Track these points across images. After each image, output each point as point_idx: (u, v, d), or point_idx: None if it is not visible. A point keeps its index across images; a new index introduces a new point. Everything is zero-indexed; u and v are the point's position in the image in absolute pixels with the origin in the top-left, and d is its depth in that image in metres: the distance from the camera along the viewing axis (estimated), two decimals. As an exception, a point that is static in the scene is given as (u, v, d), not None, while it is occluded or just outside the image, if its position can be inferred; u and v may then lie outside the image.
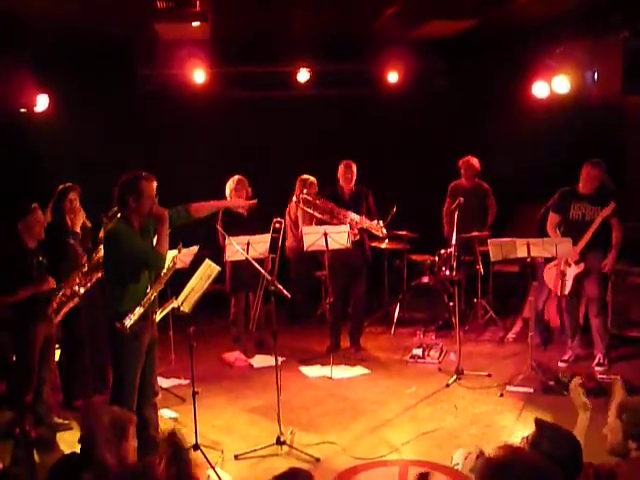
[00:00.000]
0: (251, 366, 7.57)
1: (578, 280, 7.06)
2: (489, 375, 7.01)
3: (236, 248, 6.44)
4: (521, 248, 6.70)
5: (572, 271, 7.02)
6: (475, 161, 8.83)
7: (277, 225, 7.97)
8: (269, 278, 5.77)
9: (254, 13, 7.69)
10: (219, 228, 6.93)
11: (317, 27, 8.37)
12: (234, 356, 7.69)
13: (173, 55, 8.74)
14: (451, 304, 8.02)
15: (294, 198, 7.96)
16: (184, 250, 6.20)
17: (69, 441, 5.48)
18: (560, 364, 7.25)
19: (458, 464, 4.12)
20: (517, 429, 5.73)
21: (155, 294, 4.93)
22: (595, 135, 8.35)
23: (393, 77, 9.41)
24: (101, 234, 6.38)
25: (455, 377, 6.90)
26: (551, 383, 6.54)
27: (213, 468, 5.06)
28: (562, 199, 7.20)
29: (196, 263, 5.78)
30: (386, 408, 6.37)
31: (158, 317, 5.13)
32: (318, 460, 5.31)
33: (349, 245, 7.34)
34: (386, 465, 5.09)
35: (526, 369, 6.71)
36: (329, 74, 9.43)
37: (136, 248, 4.84)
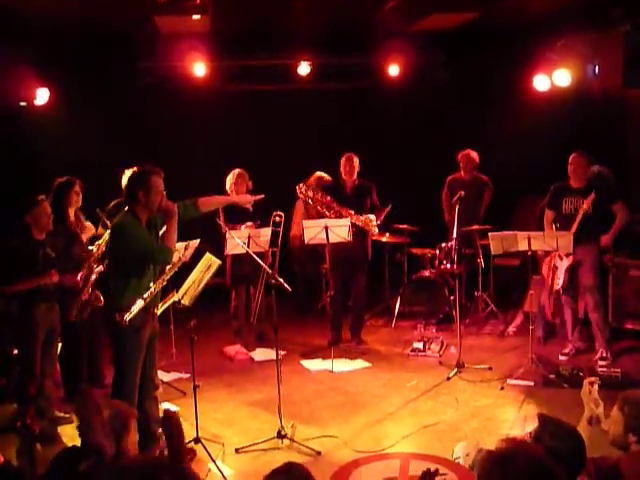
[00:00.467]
0: (252, 359, 7.58)
1: (572, 272, 7.06)
2: (490, 368, 7.02)
3: (237, 242, 6.44)
4: (522, 241, 6.70)
5: (563, 264, 7.03)
6: (475, 154, 8.83)
7: (277, 219, 7.96)
8: (270, 272, 5.77)
9: (254, 6, 7.67)
10: (220, 222, 6.91)
11: (318, 20, 8.35)
12: (235, 349, 7.69)
13: (173, 48, 8.72)
14: (452, 297, 8.02)
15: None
16: (184, 243, 6.23)
17: (70, 435, 5.47)
18: (561, 357, 7.26)
19: (459, 457, 4.12)
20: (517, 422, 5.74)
21: (158, 289, 4.94)
22: (596, 128, 8.34)
23: (394, 70, 9.39)
24: (100, 230, 6.41)
25: (456, 370, 6.91)
26: (552, 376, 6.54)
27: (214, 461, 5.07)
28: (554, 195, 7.25)
29: (197, 257, 5.77)
30: (387, 401, 6.38)
31: (159, 311, 5.13)
32: (319, 453, 5.32)
33: (350, 238, 7.34)
34: (387, 458, 5.09)
35: (527, 362, 6.70)
36: (330, 67, 9.41)
37: (142, 242, 4.85)
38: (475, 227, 8.44)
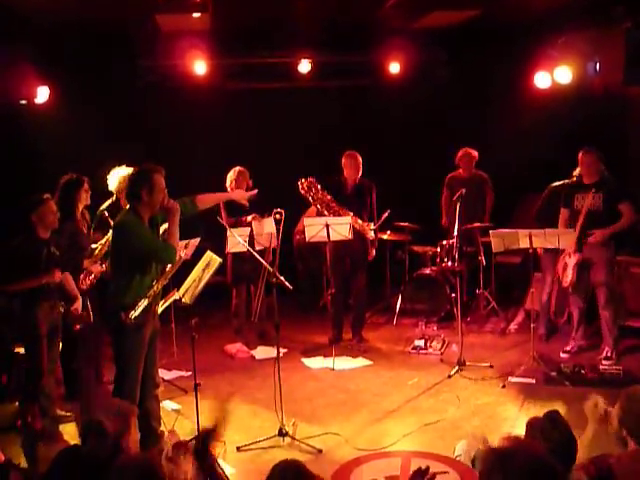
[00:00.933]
0: (253, 358, 7.58)
1: (582, 270, 7.03)
2: (491, 366, 7.02)
3: (237, 240, 6.44)
4: (523, 239, 6.69)
5: (572, 261, 7.01)
6: (473, 152, 8.81)
7: (277, 216, 7.95)
8: (270, 269, 5.77)
9: (255, 4, 7.66)
10: (221, 220, 6.91)
11: (318, 18, 8.33)
12: (236, 348, 7.69)
13: (174, 46, 8.70)
14: (453, 295, 8.02)
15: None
16: (184, 242, 6.23)
17: (71, 433, 5.49)
18: (562, 355, 7.25)
19: (460, 455, 4.12)
20: (519, 420, 5.74)
21: (160, 287, 4.94)
22: (597, 126, 8.32)
23: (395, 68, 9.37)
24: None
25: (457, 368, 6.90)
26: (553, 374, 6.54)
27: (215, 460, 5.05)
28: (567, 193, 7.18)
29: (198, 255, 5.77)
30: (388, 399, 6.38)
31: (160, 309, 5.13)
32: (320, 451, 5.32)
33: (351, 236, 7.34)
34: (388, 456, 5.08)
35: (528, 360, 6.70)
36: (330, 65, 9.40)
37: (146, 241, 4.86)
38: (476, 225, 8.44)
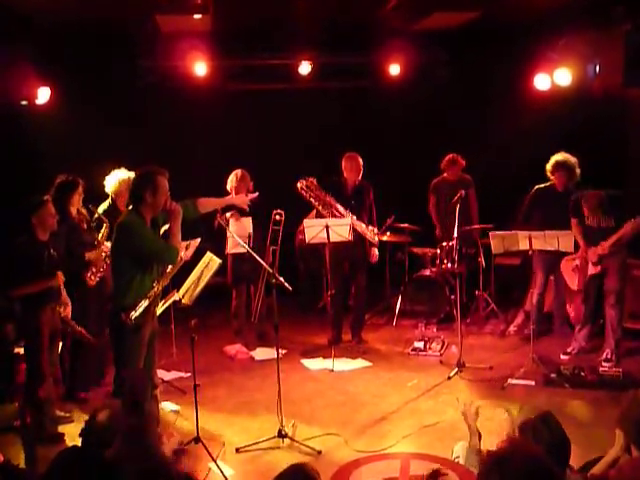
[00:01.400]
0: (252, 359, 7.58)
1: (598, 278, 7.06)
2: (490, 368, 7.02)
3: (237, 241, 6.44)
4: (523, 241, 6.70)
5: (590, 270, 7.02)
6: (462, 160, 8.75)
7: (277, 217, 7.97)
8: (270, 270, 5.77)
9: (255, 5, 7.66)
10: (221, 222, 6.91)
11: (319, 19, 8.34)
12: (235, 349, 7.69)
13: (174, 47, 8.71)
14: (452, 297, 8.02)
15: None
16: (185, 242, 6.23)
17: (70, 434, 5.47)
18: (562, 357, 7.25)
19: (459, 457, 4.12)
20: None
21: (161, 288, 4.95)
22: (597, 127, 8.33)
23: (395, 69, 9.37)
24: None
25: (456, 370, 6.90)
26: (553, 376, 6.54)
27: (215, 461, 5.06)
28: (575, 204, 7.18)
29: (198, 256, 5.77)
30: (387, 401, 6.38)
31: (159, 310, 5.13)
32: (320, 453, 5.32)
33: (350, 238, 7.34)
34: (387, 458, 5.07)
35: (527, 362, 6.70)
36: (331, 66, 9.39)
37: (148, 242, 4.88)
38: (476, 226, 8.44)
